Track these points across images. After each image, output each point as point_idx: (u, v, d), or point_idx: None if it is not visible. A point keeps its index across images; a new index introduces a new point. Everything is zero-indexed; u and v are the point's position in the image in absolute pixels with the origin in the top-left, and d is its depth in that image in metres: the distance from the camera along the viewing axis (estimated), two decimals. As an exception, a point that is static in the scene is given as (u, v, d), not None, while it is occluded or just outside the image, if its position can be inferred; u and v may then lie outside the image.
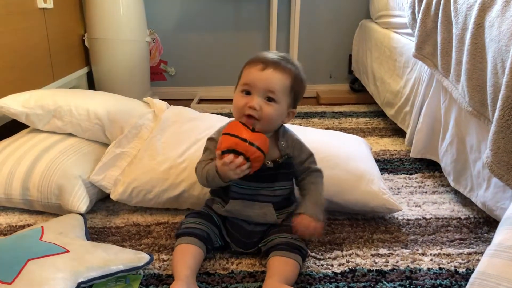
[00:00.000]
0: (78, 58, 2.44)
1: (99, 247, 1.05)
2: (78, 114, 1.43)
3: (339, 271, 1.06)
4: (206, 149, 1.16)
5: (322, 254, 1.13)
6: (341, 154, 1.38)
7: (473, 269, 1.05)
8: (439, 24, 1.38)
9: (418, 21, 1.51)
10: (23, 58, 1.84)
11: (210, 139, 1.16)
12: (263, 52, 1.12)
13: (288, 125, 1.49)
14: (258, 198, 1.11)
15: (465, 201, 1.37)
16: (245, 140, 1.00)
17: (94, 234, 1.22)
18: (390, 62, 2.02)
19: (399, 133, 1.97)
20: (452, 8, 1.28)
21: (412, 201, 1.39)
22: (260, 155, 1.01)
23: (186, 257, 1.02)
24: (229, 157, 1.00)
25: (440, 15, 1.36)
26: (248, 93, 1.07)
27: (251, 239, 1.11)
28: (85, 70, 2.49)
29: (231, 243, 1.12)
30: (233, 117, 1.16)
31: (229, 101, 1.13)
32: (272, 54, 1.10)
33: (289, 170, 1.14)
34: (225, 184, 1.07)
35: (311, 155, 1.16)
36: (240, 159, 1.00)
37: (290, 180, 1.15)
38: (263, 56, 1.09)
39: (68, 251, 1.00)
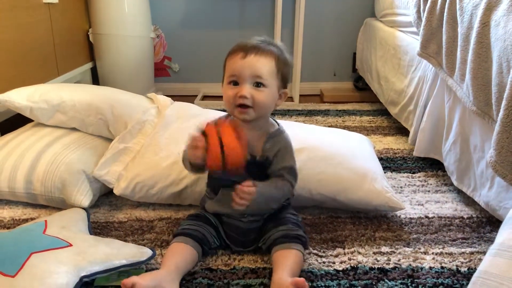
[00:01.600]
0: (83, 53, 2.44)
1: (102, 242, 1.05)
2: (82, 109, 1.44)
3: (340, 268, 1.06)
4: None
5: (324, 252, 1.13)
6: (344, 152, 1.38)
7: (475, 269, 1.05)
8: (444, 22, 1.37)
9: (423, 19, 1.51)
10: (28, 53, 1.84)
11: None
12: (243, 40, 1.10)
13: (291, 124, 1.50)
14: None
15: (468, 201, 1.37)
16: (219, 137, 0.96)
17: (97, 229, 1.22)
18: (394, 60, 2.01)
19: (403, 131, 1.97)
20: (457, 6, 1.28)
21: (415, 199, 1.39)
22: (217, 153, 0.95)
23: (175, 255, 1.02)
24: (196, 134, 0.99)
25: (445, 14, 1.36)
26: (235, 83, 1.06)
27: (248, 237, 1.11)
28: (89, 65, 2.50)
29: (230, 244, 1.13)
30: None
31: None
32: (252, 40, 1.09)
33: (267, 172, 1.10)
34: (192, 168, 1.07)
35: (290, 167, 1.10)
36: (201, 139, 0.98)
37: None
38: (242, 43, 1.08)
39: (71, 245, 1.01)
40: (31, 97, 1.46)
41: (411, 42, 1.84)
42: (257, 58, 1.04)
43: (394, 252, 1.13)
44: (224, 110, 1.38)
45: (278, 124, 1.15)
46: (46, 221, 1.11)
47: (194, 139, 0.99)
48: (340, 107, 2.42)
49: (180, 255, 1.03)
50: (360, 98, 2.57)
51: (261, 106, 1.06)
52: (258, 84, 1.05)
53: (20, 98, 1.46)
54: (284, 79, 1.10)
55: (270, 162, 1.10)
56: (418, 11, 1.61)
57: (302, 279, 0.89)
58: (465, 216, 1.30)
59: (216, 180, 1.13)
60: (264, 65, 1.05)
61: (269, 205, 1.10)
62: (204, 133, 0.99)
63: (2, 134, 1.55)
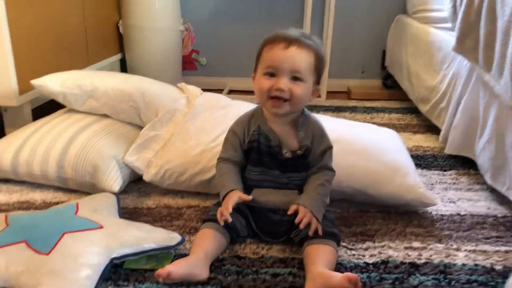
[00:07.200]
0: (113, 44, 2.47)
1: (133, 225, 1.06)
2: (114, 95, 1.45)
3: (371, 261, 1.05)
4: (226, 141, 1.15)
5: (353, 245, 1.11)
6: (375, 146, 1.36)
7: (511, 267, 1.02)
8: (482, 16, 1.34)
9: (460, 14, 1.47)
10: (60, 41, 1.87)
11: (232, 132, 1.15)
12: (280, 31, 1.07)
13: (320, 116, 1.48)
14: (280, 186, 1.10)
15: (502, 200, 1.33)
16: None
17: (126, 214, 1.23)
18: (426, 57, 1.97)
19: (433, 130, 1.92)
20: None
21: (447, 197, 1.36)
22: None
23: (204, 241, 1.02)
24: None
25: (484, 7, 1.32)
26: (272, 75, 1.04)
27: (280, 229, 1.10)
28: (118, 56, 2.53)
29: (260, 233, 1.11)
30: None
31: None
32: (292, 31, 1.06)
33: (308, 160, 1.11)
34: None
35: (329, 148, 1.11)
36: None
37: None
38: (282, 34, 1.05)
39: (102, 227, 1.01)
40: (64, 83, 1.48)
41: (445, 38, 1.80)
42: (298, 51, 1.02)
43: (426, 248, 1.10)
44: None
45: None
46: (77, 203, 1.13)
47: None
48: (368, 104, 2.38)
49: (209, 241, 1.03)
50: (388, 96, 2.53)
51: (297, 100, 1.04)
52: (295, 78, 1.03)
53: (54, 83, 1.48)
54: (319, 75, 1.09)
55: (310, 150, 1.09)
56: (454, 6, 1.57)
57: (355, 275, 0.87)
58: (499, 215, 1.26)
59: (251, 181, 1.12)
60: (304, 60, 1.03)
61: (327, 200, 1.10)
62: None
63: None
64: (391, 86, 2.60)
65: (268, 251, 1.08)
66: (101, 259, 0.94)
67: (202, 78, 2.78)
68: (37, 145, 1.35)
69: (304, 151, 1.09)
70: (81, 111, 1.49)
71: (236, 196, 1.05)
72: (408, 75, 2.20)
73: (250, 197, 1.06)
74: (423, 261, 1.05)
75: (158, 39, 2.39)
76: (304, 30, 1.10)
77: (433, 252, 1.09)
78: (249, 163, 1.12)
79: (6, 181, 1.40)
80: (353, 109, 2.27)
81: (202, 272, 0.95)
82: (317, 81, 1.09)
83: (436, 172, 1.54)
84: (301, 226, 1.01)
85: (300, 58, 1.02)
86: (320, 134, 1.11)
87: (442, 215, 1.26)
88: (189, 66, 2.78)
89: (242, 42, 2.71)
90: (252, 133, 1.11)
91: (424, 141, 1.83)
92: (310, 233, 1.01)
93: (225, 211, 1.02)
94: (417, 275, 1.00)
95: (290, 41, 1.02)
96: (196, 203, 1.30)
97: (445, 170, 1.55)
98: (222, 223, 1.03)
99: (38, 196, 1.33)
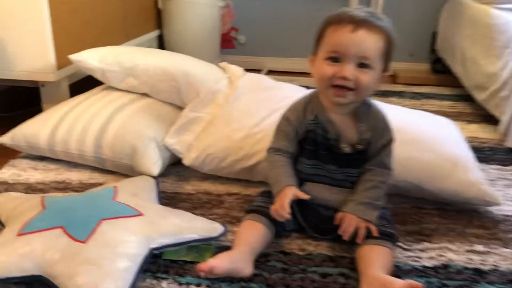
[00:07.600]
0: (151, 20, 2.41)
1: (173, 213, 1.00)
2: (155, 74, 1.37)
3: (429, 265, 0.95)
4: (279, 130, 1.06)
5: (409, 245, 1.02)
6: (432, 136, 1.26)
7: None
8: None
9: (534, -7, 1.33)
10: (99, 17, 1.82)
11: (286, 119, 1.05)
12: (344, 9, 0.96)
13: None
14: (335, 183, 1.02)
15: None
16: None
17: (165, 199, 1.17)
18: (485, 41, 1.82)
19: (489, 119, 1.78)
20: None
21: (510, 195, 1.25)
22: None
23: (249, 234, 0.95)
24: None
25: None
26: (336, 60, 0.93)
27: (328, 225, 1.00)
28: (156, 32, 2.47)
29: (307, 228, 1.03)
30: (312, 89, 1.05)
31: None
32: (358, 10, 0.94)
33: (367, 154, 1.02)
34: None
35: (390, 141, 1.00)
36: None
37: None
38: (349, 13, 0.93)
39: (142, 214, 0.95)
40: (104, 58, 1.42)
41: (510, 20, 1.65)
42: (367, 35, 0.91)
43: (490, 252, 1.00)
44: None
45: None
46: (116, 187, 1.07)
47: None
48: (417, 89, 2.24)
49: (254, 234, 0.95)
50: (437, 82, 2.37)
51: (363, 90, 0.94)
52: (362, 65, 0.92)
53: (93, 59, 1.42)
54: (388, 61, 0.98)
55: (370, 143, 0.99)
56: (525, -16, 1.43)
57: (420, 284, 0.78)
58: None
59: (302, 174, 1.04)
60: (373, 44, 0.92)
61: (380, 203, 1.00)
62: None
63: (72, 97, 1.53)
64: (440, 71, 2.45)
65: (316, 248, 1.00)
66: (140, 249, 0.88)
67: (239, 57, 2.69)
68: (75, 123, 1.30)
69: (366, 146, 0.99)
70: (120, 89, 1.43)
71: (292, 193, 0.96)
72: (462, 60, 2.05)
73: (307, 196, 0.97)
74: (488, 267, 0.95)
75: (197, 15, 2.31)
76: (370, 9, 0.98)
77: (500, 258, 0.98)
78: (302, 155, 1.03)
79: (43, 158, 1.36)
80: (400, 94, 2.14)
81: (246, 268, 0.88)
82: (385, 68, 0.98)
83: (495, 166, 1.42)
84: (345, 237, 0.93)
85: (369, 43, 0.91)
86: (382, 125, 1.00)
87: (506, 215, 1.15)
88: (227, 45, 2.69)
89: (283, 21, 2.60)
90: (308, 123, 1.01)
91: (480, 131, 1.70)
92: (358, 240, 0.93)
93: (282, 210, 0.93)
94: (483, 283, 0.91)
95: (358, 23, 0.91)
96: (237, 191, 1.23)
97: (505, 165, 1.43)
98: (282, 219, 0.94)
99: (74, 176, 1.29)
